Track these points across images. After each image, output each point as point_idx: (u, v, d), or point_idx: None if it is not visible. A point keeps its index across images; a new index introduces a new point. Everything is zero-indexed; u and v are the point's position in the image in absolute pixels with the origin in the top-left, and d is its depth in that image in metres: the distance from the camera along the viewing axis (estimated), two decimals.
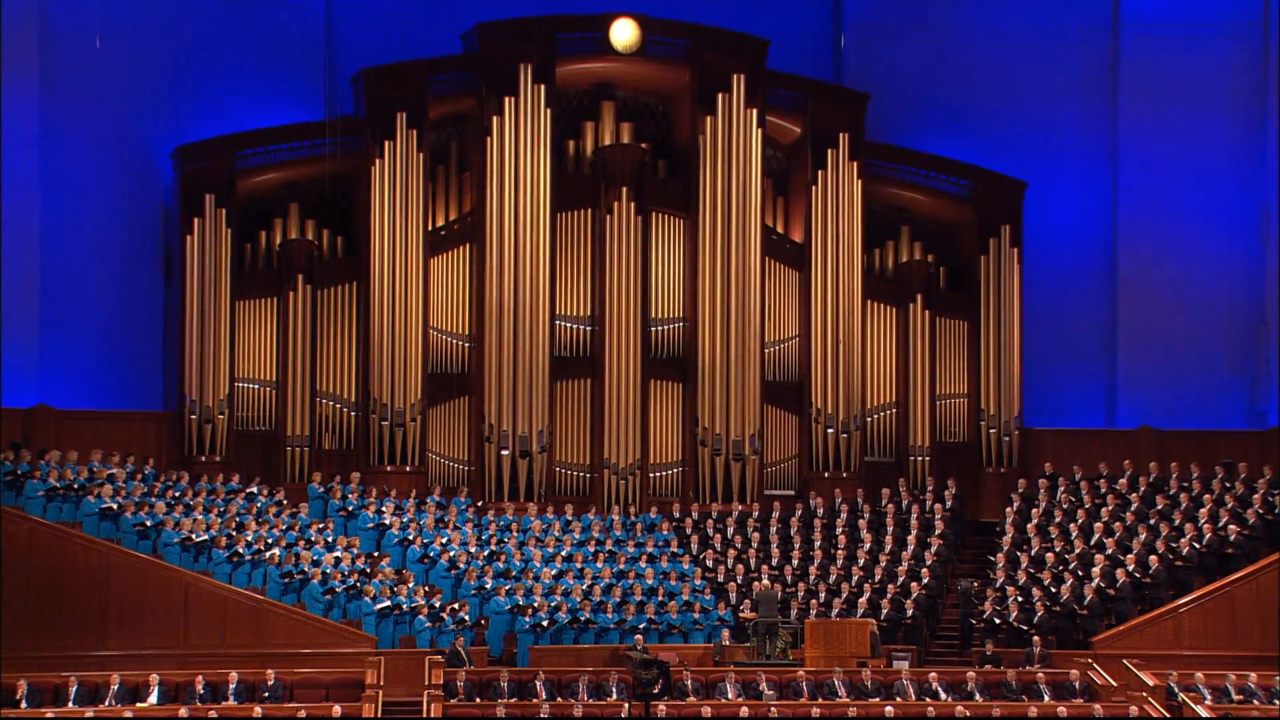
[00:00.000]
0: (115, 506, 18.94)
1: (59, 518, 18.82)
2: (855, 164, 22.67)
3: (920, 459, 22.67)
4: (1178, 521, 20.26)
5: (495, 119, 21.98)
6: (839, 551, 20.78)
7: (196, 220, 21.43)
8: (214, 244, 21.44)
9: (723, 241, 22.34)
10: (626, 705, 17.41)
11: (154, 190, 22.16)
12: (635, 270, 22.24)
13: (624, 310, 22.19)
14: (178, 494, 19.72)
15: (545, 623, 19.01)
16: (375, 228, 21.78)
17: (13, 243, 20.68)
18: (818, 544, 20.98)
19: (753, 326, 22.32)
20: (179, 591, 18.16)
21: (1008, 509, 21.36)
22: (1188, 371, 23.28)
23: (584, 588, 19.55)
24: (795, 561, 20.69)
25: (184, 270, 21.39)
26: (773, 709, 17.36)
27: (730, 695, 17.77)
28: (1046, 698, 17.91)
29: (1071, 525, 20.61)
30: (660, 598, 19.62)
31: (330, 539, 19.78)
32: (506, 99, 21.96)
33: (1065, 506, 21.05)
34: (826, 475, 22.36)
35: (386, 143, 21.75)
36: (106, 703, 16.95)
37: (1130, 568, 19.57)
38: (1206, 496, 20.58)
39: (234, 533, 19.17)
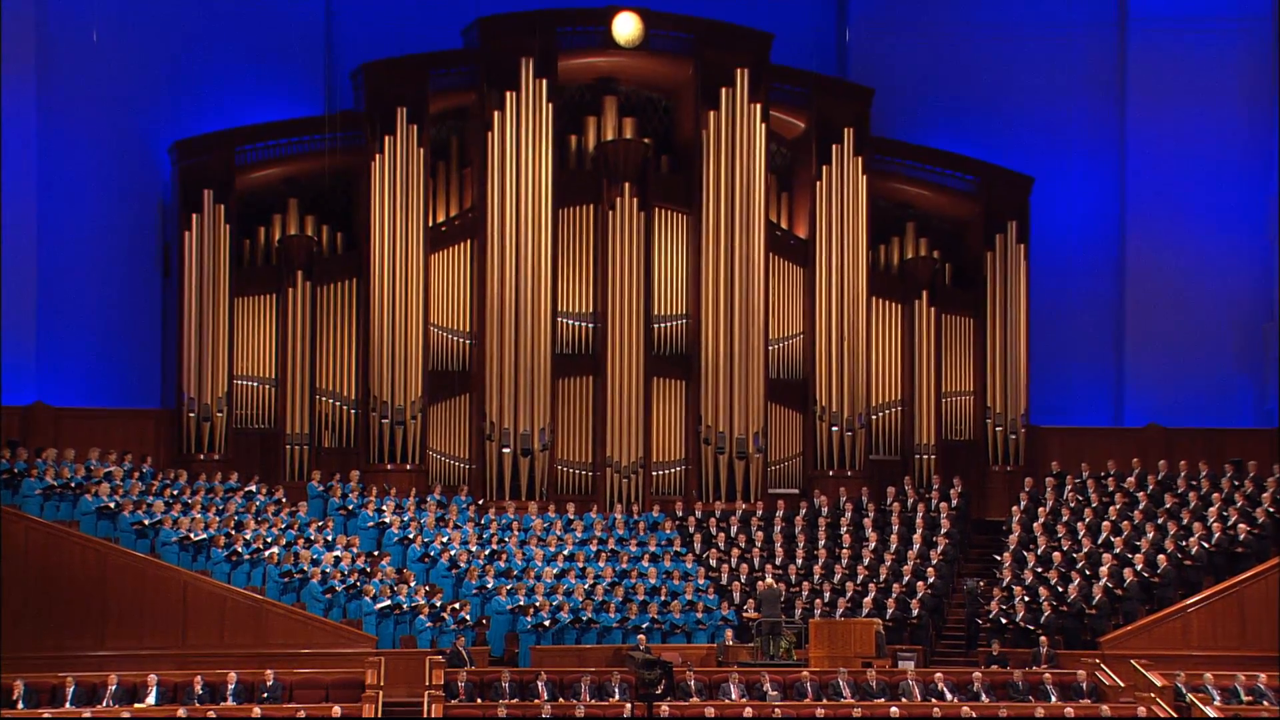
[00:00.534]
0: (113, 505, 18.86)
1: (56, 517, 18.73)
2: (860, 159, 22.61)
3: (926, 457, 22.61)
4: (1186, 520, 20.16)
5: (496, 114, 21.91)
6: (843, 551, 20.71)
7: (195, 216, 21.37)
8: (212, 240, 21.39)
9: (726, 237, 22.27)
10: (629, 706, 17.35)
11: (152, 186, 22.12)
12: (638, 266, 22.16)
13: (626, 307, 22.12)
14: (176, 493, 19.66)
15: (547, 622, 18.94)
16: (375, 224, 21.71)
17: (10, 239, 20.65)
18: (822, 543, 20.92)
19: (756, 323, 22.26)
20: (177, 591, 18.09)
21: (1014, 508, 21.31)
22: (1196, 369, 23.24)
23: (586, 587, 19.48)
24: (799, 561, 20.62)
25: (182, 266, 21.33)
26: (777, 710, 17.30)
27: (734, 696, 17.71)
28: (1053, 698, 17.83)
29: (1079, 524, 20.54)
30: (663, 597, 19.56)
31: (330, 538, 19.72)
32: (508, 93, 21.90)
33: (1072, 505, 20.97)
34: (831, 473, 22.32)
35: (387, 138, 21.69)
36: (104, 703, 16.85)
37: (1138, 567, 19.48)
38: (1215, 495, 20.51)
39: (233, 532, 19.11)
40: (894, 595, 19.71)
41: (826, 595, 19.87)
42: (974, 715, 17.30)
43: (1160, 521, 20.18)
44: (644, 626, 19.00)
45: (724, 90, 22.27)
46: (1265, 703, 17.65)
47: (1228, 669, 18.01)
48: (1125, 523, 20.29)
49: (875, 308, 22.69)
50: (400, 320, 21.64)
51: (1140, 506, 20.57)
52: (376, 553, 19.82)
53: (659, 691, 17.48)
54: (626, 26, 22.18)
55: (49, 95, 21.20)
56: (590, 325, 22.32)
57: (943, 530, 20.92)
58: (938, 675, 18.03)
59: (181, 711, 16.63)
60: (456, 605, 19.00)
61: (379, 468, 21.44)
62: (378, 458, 21.52)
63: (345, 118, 21.96)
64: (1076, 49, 23.48)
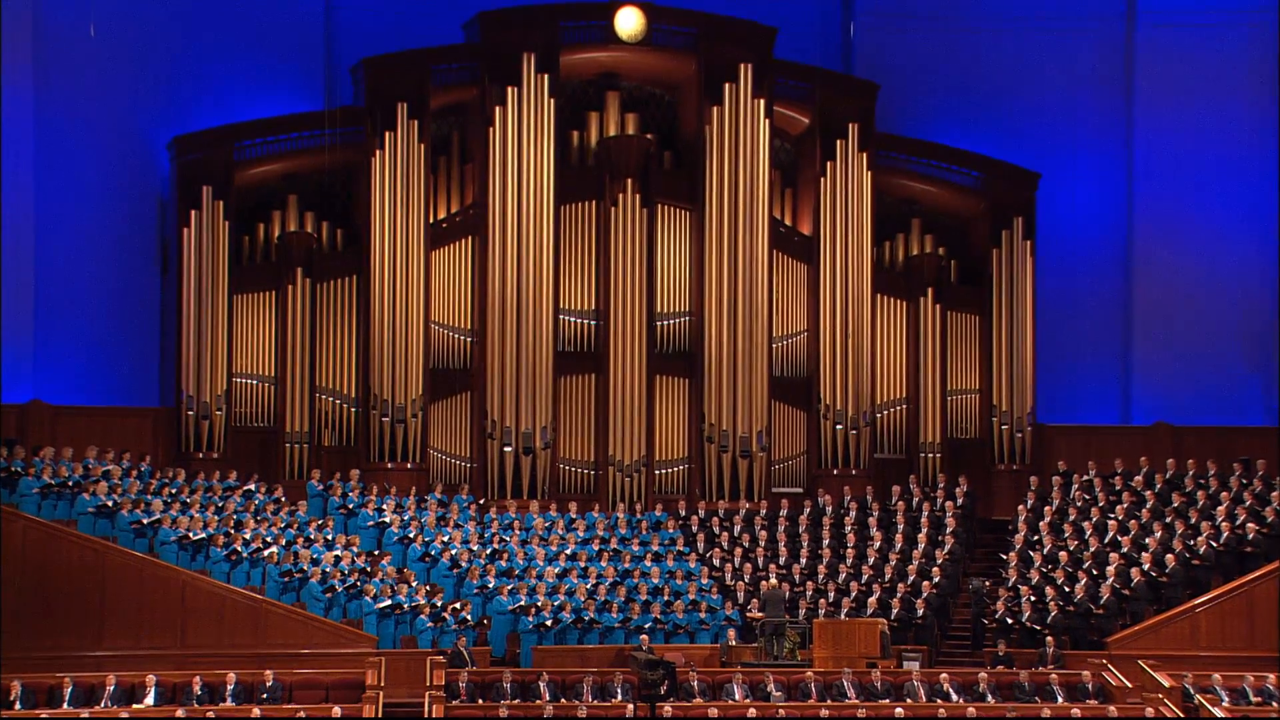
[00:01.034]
0: (111, 504, 18.79)
1: (53, 516, 18.66)
2: (865, 155, 22.52)
3: (931, 456, 22.54)
4: (1194, 520, 20.10)
5: (498, 109, 21.83)
6: (848, 550, 20.64)
7: (193, 212, 21.30)
8: (211, 237, 21.31)
9: (730, 234, 22.18)
10: (631, 706, 17.30)
11: (150, 182, 22.05)
12: (641, 264, 22.08)
13: (629, 304, 22.04)
14: (174, 491, 19.58)
15: (549, 622, 18.87)
16: (376, 220, 21.63)
17: (6, 236, 20.62)
18: (826, 542, 20.83)
19: (760, 321, 22.18)
20: (176, 591, 18.02)
21: (1020, 507, 21.22)
22: (1204, 366, 23.17)
23: (588, 587, 19.40)
24: (803, 560, 20.55)
25: (181, 263, 21.27)
26: (780, 710, 17.25)
27: (737, 696, 17.65)
28: (1060, 699, 17.78)
29: (1086, 523, 20.47)
30: (666, 597, 19.49)
31: (330, 537, 19.66)
32: (509, 89, 21.81)
33: (1079, 504, 20.91)
34: (835, 472, 22.24)
35: (387, 133, 21.61)
36: (102, 704, 16.79)
37: (1146, 567, 19.41)
38: (1224, 494, 20.42)
39: (232, 531, 19.05)
40: (899, 595, 19.64)
41: (831, 595, 19.79)
42: (979, 716, 17.24)
43: (1168, 521, 20.11)
44: (647, 627, 18.95)
45: (727, 85, 22.19)
46: (1274, 704, 17.60)
47: (1236, 669, 17.97)
48: (1132, 522, 20.23)
49: (880, 305, 22.63)
50: (401, 317, 21.57)
51: (1148, 505, 20.51)
52: (377, 552, 19.76)
53: (662, 692, 17.43)
54: (629, 21, 22.10)
55: (46, 91, 21.17)
56: (592, 322, 22.23)
57: (948, 529, 20.85)
58: (943, 676, 17.98)
59: (180, 712, 16.58)
60: (458, 605, 18.94)
61: (379, 466, 21.37)
62: (378, 456, 21.45)
63: (345, 113, 21.89)
64: (1083, 44, 23.45)
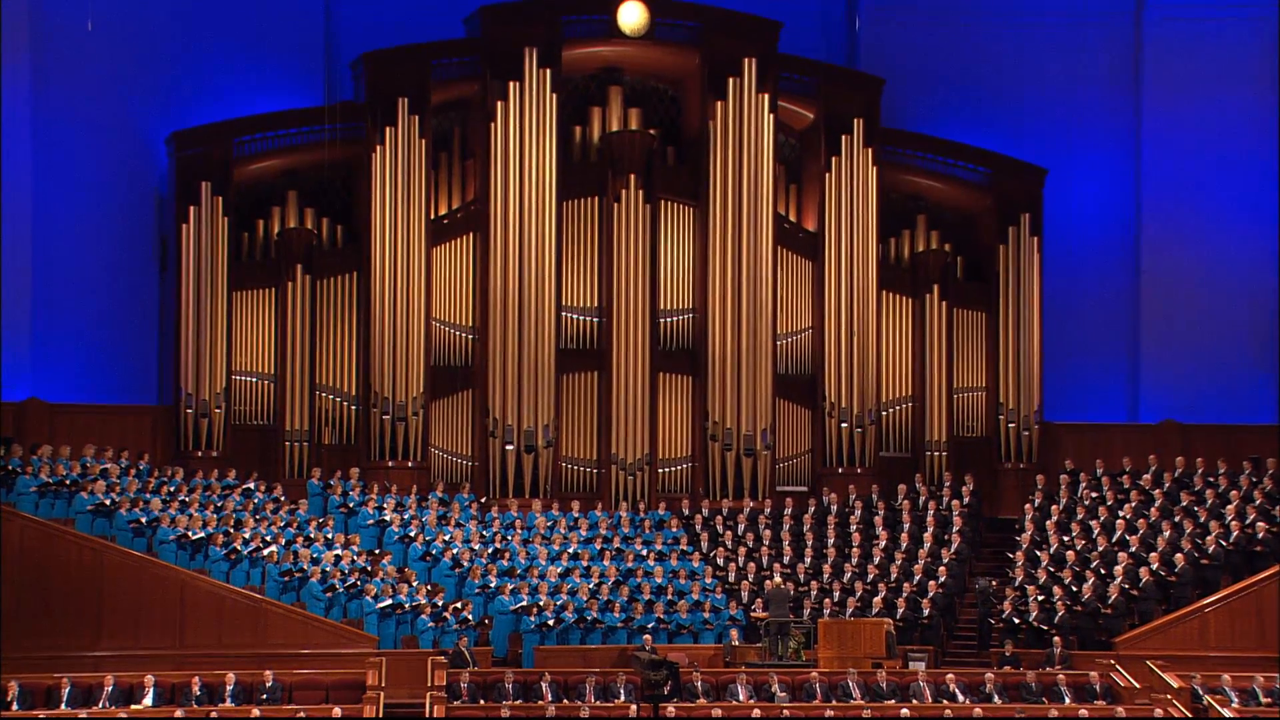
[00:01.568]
0: (109, 503, 18.74)
1: (51, 514, 18.60)
2: (870, 150, 22.47)
3: (937, 454, 22.49)
4: (1203, 518, 20.03)
5: (499, 104, 21.76)
6: (853, 549, 20.59)
7: (192, 208, 21.24)
8: (210, 233, 21.26)
9: (733, 230, 22.12)
10: (634, 707, 17.25)
11: (148, 177, 21.97)
12: (644, 260, 22.02)
13: (632, 301, 21.98)
14: (173, 490, 19.56)
15: (551, 622, 18.81)
16: (376, 216, 21.55)
17: (4, 232, 20.56)
18: (831, 541, 20.79)
19: (764, 318, 22.12)
20: (175, 590, 17.96)
21: (1027, 505, 21.20)
22: (1213, 363, 23.11)
23: (591, 586, 19.34)
24: (808, 559, 20.50)
25: (179, 260, 21.21)
26: (785, 711, 17.19)
27: (741, 697, 17.60)
28: (1067, 700, 17.71)
29: (1093, 522, 20.42)
30: (669, 597, 19.45)
31: (330, 536, 19.59)
32: (511, 84, 21.75)
33: (1087, 503, 20.87)
34: (840, 471, 22.20)
35: (388, 129, 21.55)
36: (100, 705, 16.73)
37: (1154, 566, 19.33)
38: (1233, 493, 20.37)
39: (231, 530, 19.01)
40: (905, 594, 19.59)
41: (836, 594, 19.75)
42: (986, 717, 17.18)
43: (1177, 520, 20.04)
44: (650, 626, 18.91)
45: (731, 80, 22.12)
46: None
47: (1245, 670, 17.88)
48: (1141, 521, 20.16)
49: (885, 302, 22.59)
50: (401, 315, 21.51)
51: (1156, 504, 20.44)
52: (377, 551, 19.71)
53: (665, 693, 17.33)
54: (632, 15, 22.04)
55: (43, 85, 21.12)
56: (595, 320, 22.14)
57: (954, 528, 20.79)
58: (949, 676, 17.92)
59: (179, 713, 16.52)
60: (459, 605, 18.89)
61: (380, 465, 21.30)
62: (379, 454, 21.38)
63: (345, 108, 21.83)
64: (1091, 38, 23.41)
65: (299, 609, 18.23)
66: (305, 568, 18.65)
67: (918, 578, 19.84)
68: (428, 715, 16.65)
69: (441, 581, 19.32)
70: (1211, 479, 20.71)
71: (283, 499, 20.13)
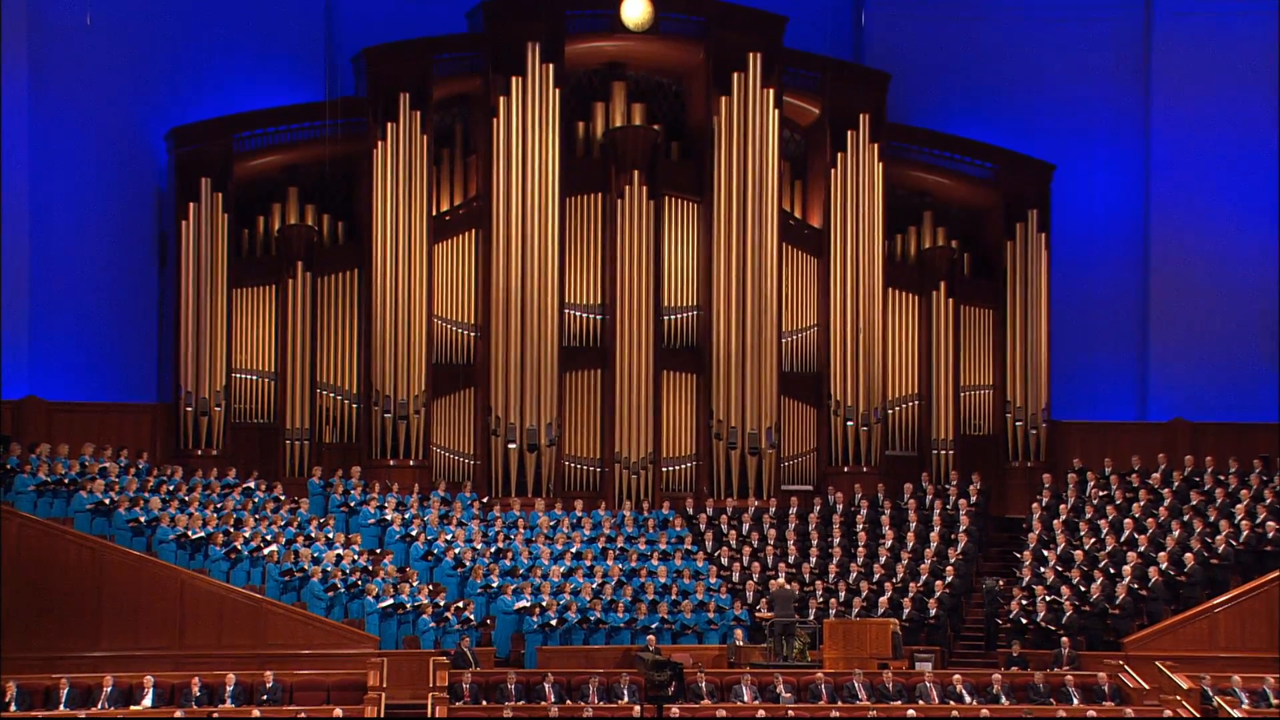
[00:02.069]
0: (108, 502, 18.68)
1: (49, 514, 18.54)
2: (876, 146, 22.39)
3: (943, 453, 22.39)
4: (1213, 518, 19.96)
5: (502, 100, 21.69)
6: (859, 549, 20.52)
7: (192, 205, 21.16)
8: (210, 229, 21.18)
9: (738, 227, 22.04)
10: (638, 708, 17.22)
11: (147, 173, 21.91)
12: (647, 257, 21.93)
13: (636, 298, 21.90)
14: (173, 489, 19.51)
15: (554, 622, 18.74)
16: (377, 213, 21.48)
17: (2, 229, 20.34)
18: (837, 541, 20.72)
19: (769, 315, 22.04)
20: (174, 590, 17.88)
21: (1035, 504, 21.11)
22: (1223, 361, 23.00)
23: (594, 586, 19.28)
24: (813, 559, 20.42)
25: (179, 257, 21.14)
26: (790, 712, 17.17)
27: (746, 698, 17.55)
28: (1075, 701, 17.66)
29: (1102, 521, 20.34)
30: (673, 597, 19.40)
31: (331, 536, 19.54)
32: (513, 79, 21.67)
33: (1095, 502, 20.81)
34: (846, 470, 22.10)
35: (389, 124, 21.46)
36: (99, 706, 16.68)
37: (1163, 566, 19.26)
38: (1243, 491, 20.31)
39: (231, 529, 18.96)
40: (911, 595, 19.51)
41: (841, 594, 19.69)
42: (993, 718, 17.16)
43: (1186, 519, 19.97)
44: (654, 627, 18.85)
45: (736, 75, 22.02)
46: None
47: (1256, 671, 17.80)
48: (1150, 520, 20.10)
49: (891, 299, 22.51)
50: (403, 312, 21.44)
51: (1165, 503, 20.38)
52: (379, 551, 19.67)
53: (669, 693, 17.39)
54: (636, 9, 21.98)
55: (41, 80, 21.07)
56: (598, 317, 22.05)
57: (961, 528, 20.71)
58: (956, 677, 17.87)
59: (179, 714, 16.48)
60: (461, 605, 18.84)
61: (381, 463, 21.23)
62: (380, 453, 21.31)
63: (346, 104, 21.77)
64: (1100, 32, 23.35)
65: (299, 609, 18.17)
66: (306, 567, 18.60)
67: (924, 577, 19.76)
68: (429, 716, 16.63)
69: (443, 581, 19.26)
70: (1221, 478, 20.65)
71: (283, 498, 20.06)
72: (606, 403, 21.85)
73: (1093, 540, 19.97)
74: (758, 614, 19.14)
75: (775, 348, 22.03)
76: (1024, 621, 19.09)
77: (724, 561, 20.28)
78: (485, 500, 20.95)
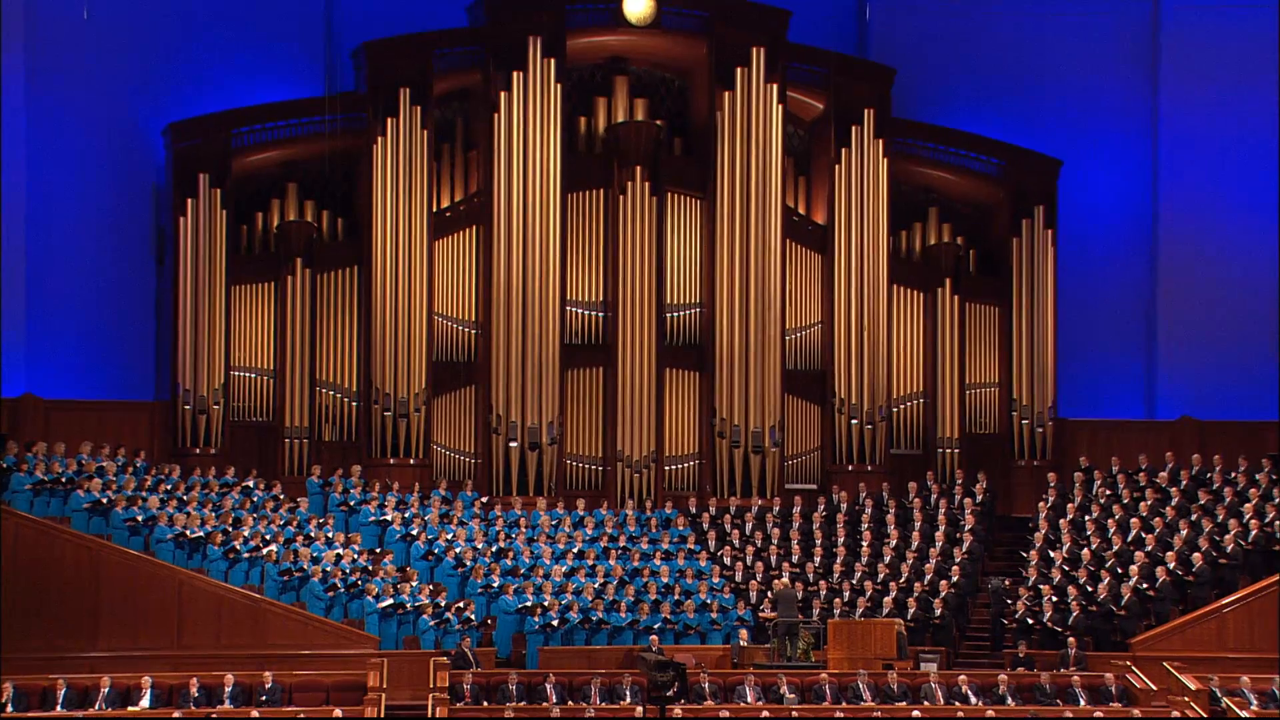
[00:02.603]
0: (105, 501, 18.62)
1: (46, 512, 18.50)
2: (881, 142, 22.33)
3: (949, 451, 22.35)
4: (1221, 517, 19.86)
5: (503, 95, 21.63)
6: (863, 548, 20.47)
7: (190, 201, 21.10)
8: (208, 226, 21.13)
9: (741, 223, 22.00)
10: (640, 709, 17.16)
11: (145, 169, 21.86)
12: (650, 253, 21.87)
13: (638, 295, 21.86)
14: (170, 488, 19.46)
15: (555, 623, 18.68)
16: (377, 209, 21.43)
17: None
18: (841, 540, 20.67)
19: (773, 312, 22.00)
20: (172, 590, 17.81)
21: (1041, 504, 21.03)
22: (1231, 358, 22.95)
23: (596, 586, 19.21)
24: (817, 559, 20.38)
25: (177, 253, 21.10)
26: (794, 712, 17.09)
27: (749, 698, 17.48)
28: (1082, 702, 17.58)
29: (1109, 521, 20.30)
30: (676, 596, 19.35)
31: (330, 535, 19.49)
32: (515, 74, 21.60)
33: (1102, 501, 20.76)
34: (850, 468, 22.05)
35: (389, 120, 21.41)
36: (96, 706, 16.61)
37: (1171, 565, 19.17)
38: (1252, 490, 20.20)
39: (230, 528, 18.91)
40: (916, 594, 19.45)
41: (846, 594, 19.62)
42: (999, 719, 17.03)
43: (1194, 518, 19.89)
44: (656, 627, 18.79)
45: (739, 70, 21.98)
46: None
47: (1264, 672, 17.68)
48: (1157, 519, 20.02)
49: (896, 296, 22.46)
50: (403, 309, 21.40)
51: (1173, 502, 20.29)
52: (379, 550, 19.61)
53: (672, 694, 17.33)
54: (638, 4, 21.98)
55: (39, 76, 21.00)
56: (600, 314, 21.97)
57: (966, 527, 20.67)
58: (961, 677, 17.78)
59: (177, 715, 16.42)
60: (461, 605, 18.77)
61: (381, 462, 21.19)
62: (380, 452, 21.27)
63: (346, 99, 21.73)
64: (1107, 26, 23.34)
65: (299, 609, 18.10)
66: (305, 567, 18.53)
67: (929, 577, 19.69)
68: (430, 717, 16.55)
69: (444, 581, 19.20)
70: (1230, 476, 20.56)
71: (282, 497, 20.01)
72: (608, 401, 21.80)
73: (1099, 540, 19.90)
74: (761, 614, 19.09)
75: (779, 345, 21.99)
76: (1030, 621, 19.01)
77: (727, 561, 20.22)
78: (486, 499, 20.90)
